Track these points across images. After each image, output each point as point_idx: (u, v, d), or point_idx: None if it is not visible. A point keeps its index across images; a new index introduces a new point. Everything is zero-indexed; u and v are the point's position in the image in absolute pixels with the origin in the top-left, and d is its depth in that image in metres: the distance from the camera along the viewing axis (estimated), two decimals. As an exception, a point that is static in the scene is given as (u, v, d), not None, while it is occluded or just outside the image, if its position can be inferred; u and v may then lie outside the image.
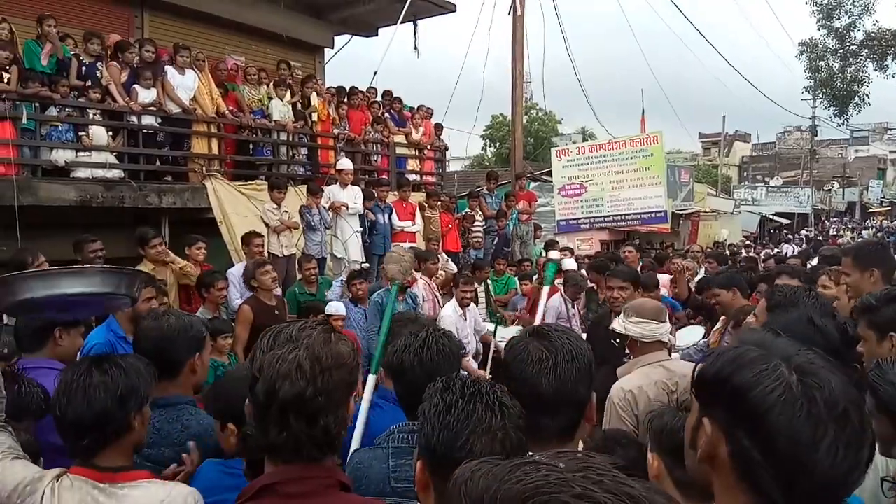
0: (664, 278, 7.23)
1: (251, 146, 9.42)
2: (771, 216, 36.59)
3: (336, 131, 10.35)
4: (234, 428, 1.98)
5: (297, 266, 7.40)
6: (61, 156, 7.39)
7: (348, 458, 2.04)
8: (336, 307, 5.99)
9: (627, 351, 3.24)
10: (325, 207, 8.28)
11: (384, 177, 10.52)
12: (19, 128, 7.07)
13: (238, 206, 8.58)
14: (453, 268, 8.95)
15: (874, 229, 39.17)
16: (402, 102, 11.95)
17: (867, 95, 23.56)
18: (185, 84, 8.41)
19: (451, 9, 12.92)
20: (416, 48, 13.15)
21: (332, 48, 12.93)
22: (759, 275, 6.37)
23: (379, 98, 11.59)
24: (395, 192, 9.80)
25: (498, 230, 10.66)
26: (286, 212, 7.90)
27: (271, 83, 9.62)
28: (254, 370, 1.37)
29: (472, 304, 6.60)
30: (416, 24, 12.88)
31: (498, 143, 38.94)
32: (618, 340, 3.39)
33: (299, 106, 9.89)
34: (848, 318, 2.58)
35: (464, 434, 1.28)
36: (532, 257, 10.26)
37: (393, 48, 12.30)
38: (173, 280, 6.21)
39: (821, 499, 0.98)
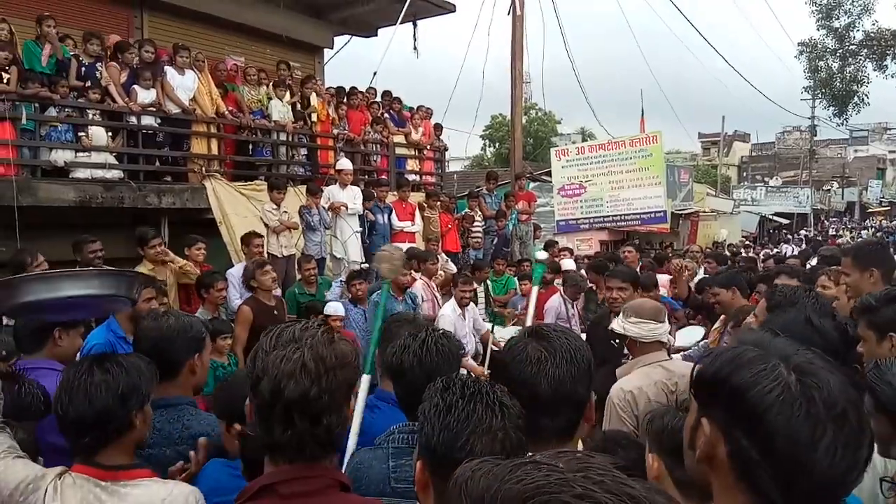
0: (664, 278, 7.22)
1: (251, 146, 9.41)
2: (770, 216, 36.59)
3: (335, 132, 10.34)
4: (240, 428, 1.98)
5: (296, 266, 7.39)
6: (61, 156, 7.39)
7: (347, 459, 2.04)
8: (334, 307, 5.98)
9: (627, 351, 3.25)
10: (324, 208, 8.27)
11: (384, 177, 10.51)
12: (19, 128, 7.06)
13: (237, 207, 8.57)
14: (453, 268, 8.93)
15: (873, 229, 39.18)
16: (401, 103, 11.94)
17: (866, 95, 23.63)
18: (185, 84, 8.41)
19: (451, 9, 12.89)
20: (415, 48, 13.15)
21: (332, 48, 12.92)
22: (758, 275, 6.36)
23: (378, 98, 11.58)
24: (395, 193, 9.79)
25: (497, 230, 10.66)
26: (286, 212, 7.90)
27: (271, 83, 9.61)
28: (256, 370, 1.37)
29: (472, 304, 6.59)
30: (415, 25, 12.87)
31: (497, 144, 38.92)
32: (617, 341, 3.40)
33: (299, 106, 9.89)
34: (847, 318, 2.58)
35: (464, 434, 1.27)
36: (531, 257, 10.24)
37: (392, 48, 12.30)
38: (173, 280, 6.21)
39: (819, 498, 0.98)
